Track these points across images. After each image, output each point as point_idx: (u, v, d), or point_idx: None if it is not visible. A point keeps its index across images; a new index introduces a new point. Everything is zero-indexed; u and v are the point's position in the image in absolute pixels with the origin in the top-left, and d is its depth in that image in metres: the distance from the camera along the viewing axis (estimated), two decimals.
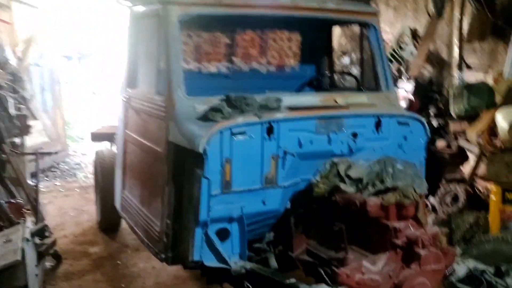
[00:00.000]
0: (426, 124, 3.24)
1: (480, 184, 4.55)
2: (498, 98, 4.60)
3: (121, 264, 4.39)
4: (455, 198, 4.43)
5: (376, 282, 2.36)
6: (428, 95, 5.79)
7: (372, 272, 2.36)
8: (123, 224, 4.66)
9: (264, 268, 2.83)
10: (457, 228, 4.12)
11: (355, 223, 2.59)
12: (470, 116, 4.80)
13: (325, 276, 2.43)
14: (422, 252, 2.35)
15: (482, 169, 4.43)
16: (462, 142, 4.85)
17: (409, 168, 2.54)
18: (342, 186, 2.67)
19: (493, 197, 3.93)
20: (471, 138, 4.32)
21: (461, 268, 2.61)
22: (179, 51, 3.14)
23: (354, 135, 3.02)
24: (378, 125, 3.08)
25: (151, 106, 3.32)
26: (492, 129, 4.19)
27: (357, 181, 2.64)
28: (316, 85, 4.06)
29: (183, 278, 4.03)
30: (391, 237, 2.39)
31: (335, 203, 2.70)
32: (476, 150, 4.54)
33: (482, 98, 4.64)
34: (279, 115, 2.87)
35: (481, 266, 2.61)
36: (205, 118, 2.89)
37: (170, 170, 3.01)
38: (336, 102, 3.20)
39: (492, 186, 3.97)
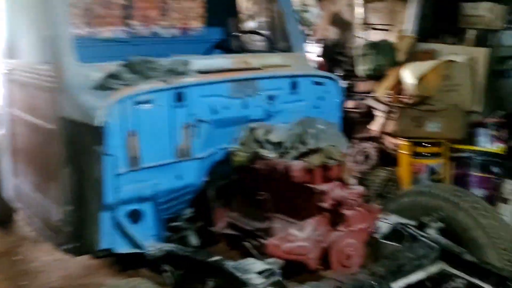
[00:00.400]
0: (340, 84, 3.18)
1: (389, 141, 4.68)
2: (400, 56, 4.71)
3: (20, 260, 3.91)
4: (367, 156, 4.50)
5: (305, 249, 2.25)
6: (334, 57, 5.82)
7: (300, 239, 2.24)
8: (19, 215, 4.14)
9: (184, 248, 2.60)
10: (371, 185, 4.20)
11: (279, 190, 2.45)
12: (376, 76, 4.89)
13: (251, 249, 2.27)
14: (349, 212, 2.28)
15: (390, 126, 4.55)
16: (370, 102, 4.94)
17: (331, 127, 2.43)
18: (263, 152, 2.50)
19: (403, 151, 4.04)
20: (380, 96, 4.39)
21: (384, 224, 2.59)
22: (66, 12, 2.72)
23: (271, 98, 2.87)
24: (294, 86, 2.96)
25: (38, 77, 2.87)
26: (398, 86, 4.27)
27: (278, 146, 2.48)
28: (224, 47, 3.83)
29: (94, 267, 3.67)
30: (318, 200, 2.28)
31: (256, 171, 2.52)
32: (383, 108, 4.64)
33: (387, 57, 4.73)
34: (188, 80, 2.60)
35: (403, 221, 2.61)
36: (102, 87, 2.53)
37: (67, 150, 2.63)
38: (249, 64, 3.00)
39: (401, 141, 4.07)
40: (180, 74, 2.64)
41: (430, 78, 3.81)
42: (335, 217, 2.32)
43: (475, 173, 3.79)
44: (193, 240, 2.91)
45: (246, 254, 2.41)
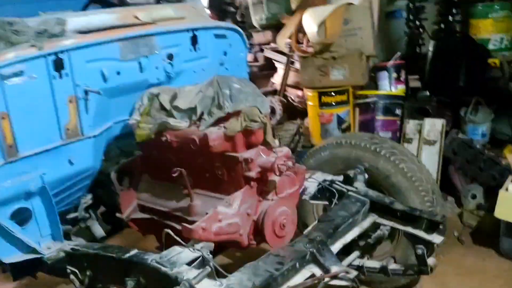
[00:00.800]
0: (244, 35, 2.88)
1: (292, 93, 4.55)
2: (293, 3, 4.51)
3: None
4: (272, 111, 4.32)
5: (235, 227, 2.00)
6: (223, 7, 5.48)
7: (229, 216, 1.97)
8: None
9: (90, 244, 2.21)
10: (281, 141, 4.06)
11: (196, 163, 2.14)
12: (272, 25, 4.67)
13: (173, 235, 1.94)
14: (278, 178, 2.05)
15: (293, 77, 4.40)
16: (268, 53, 4.73)
17: (247, 86, 2.13)
18: (172, 121, 2.14)
19: (310, 102, 3.92)
20: (281, 46, 4.18)
21: (310, 183, 2.43)
22: None
23: (170, 57, 2.48)
24: (194, 41, 2.59)
25: None
26: (297, 35, 4.09)
27: (189, 112, 2.14)
28: (102, 2, 3.27)
29: None
30: (243, 170, 2.02)
31: (166, 145, 2.17)
32: (284, 59, 4.46)
33: (281, 4, 4.52)
34: (67, 42, 2.12)
35: (329, 177, 2.47)
36: None
37: None
38: (138, 18, 2.55)
39: (308, 92, 3.94)
40: (55, 36, 2.13)
41: (330, 23, 3.67)
42: (263, 185, 2.08)
43: (380, 117, 3.82)
44: (98, 230, 2.55)
45: (164, 239, 2.08)
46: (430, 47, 4.07)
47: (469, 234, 3.45)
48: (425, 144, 3.72)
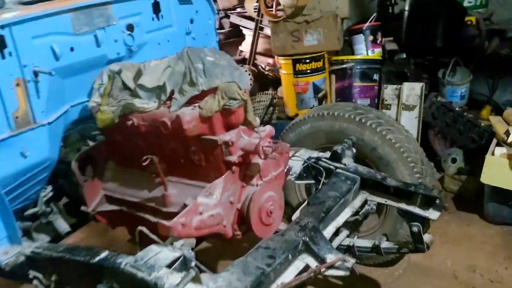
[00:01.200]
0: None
1: (262, 61, 4.31)
2: None
3: None
4: None
5: (218, 218, 1.79)
6: None
7: (211, 206, 1.76)
8: None
9: (52, 246, 1.96)
10: (254, 113, 3.83)
11: (169, 148, 1.90)
12: None
13: (148, 233, 1.72)
14: (262, 161, 1.85)
15: (263, 44, 4.14)
16: (235, 19, 4.43)
17: (222, 58, 1.88)
18: (138, 102, 1.88)
19: (284, 71, 3.69)
20: (249, 11, 3.89)
21: (295, 162, 2.24)
22: None
23: (130, 27, 2.20)
24: (156, 8, 2.31)
25: None
26: None
27: (157, 91, 1.88)
28: None
29: None
30: (223, 154, 1.80)
31: (133, 129, 1.91)
32: (252, 25, 4.18)
33: None
34: (8, 16, 1.81)
35: (314, 154, 2.28)
36: None
37: None
38: None
39: (281, 60, 3.70)
40: None
41: None
42: (246, 169, 1.87)
43: (357, 83, 3.64)
44: (62, 225, 2.32)
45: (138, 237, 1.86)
46: (406, 6, 3.88)
47: (451, 200, 3.38)
48: (404, 109, 3.59)
